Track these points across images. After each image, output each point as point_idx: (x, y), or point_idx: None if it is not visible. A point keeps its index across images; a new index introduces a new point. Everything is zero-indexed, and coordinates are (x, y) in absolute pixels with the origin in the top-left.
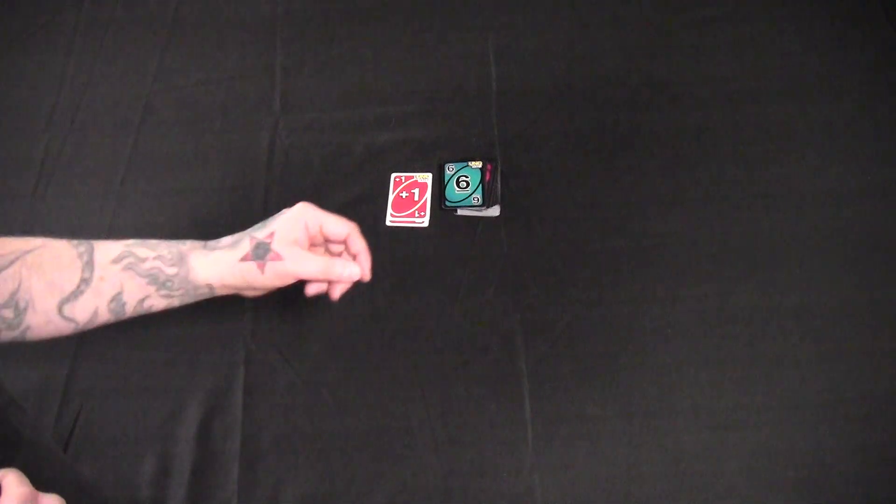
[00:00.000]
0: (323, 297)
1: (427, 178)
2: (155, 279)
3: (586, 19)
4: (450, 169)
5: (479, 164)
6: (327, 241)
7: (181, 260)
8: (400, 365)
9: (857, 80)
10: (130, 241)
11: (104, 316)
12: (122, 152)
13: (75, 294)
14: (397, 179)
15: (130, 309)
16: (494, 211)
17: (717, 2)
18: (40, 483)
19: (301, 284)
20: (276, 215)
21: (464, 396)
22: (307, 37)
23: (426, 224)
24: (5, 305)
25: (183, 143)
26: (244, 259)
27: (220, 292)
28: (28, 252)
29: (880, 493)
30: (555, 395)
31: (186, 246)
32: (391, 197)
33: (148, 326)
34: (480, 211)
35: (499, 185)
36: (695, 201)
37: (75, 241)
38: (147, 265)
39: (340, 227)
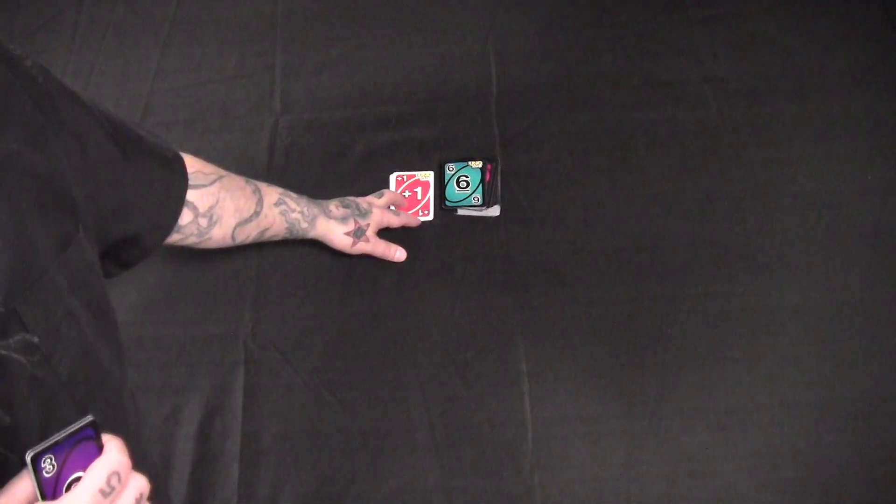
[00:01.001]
0: (323, 298)
1: (429, 175)
2: (291, 227)
3: (586, 19)
4: (450, 169)
5: (479, 164)
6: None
7: (313, 220)
8: (400, 365)
9: (857, 79)
10: (281, 190)
11: (247, 240)
12: None
13: (247, 220)
14: (399, 179)
15: (263, 238)
16: (494, 211)
17: (717, 2)
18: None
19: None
20: (372, 199)
21: (464, 396)
22: (307, 37)
23: (431, 218)
24: (204, 215)
25: (183, 143)
26: (347, 234)
27: (316, 239)
28: (223, 177)
29: (880, 493)
30: (555, 395)
31: (316, 209)
32: None
33: (148, 326)
34: (480, 211)
35: (499, 185)
36: (695, 201)
37: (246, 179)
38: (293, 215)
39: (400, 222)
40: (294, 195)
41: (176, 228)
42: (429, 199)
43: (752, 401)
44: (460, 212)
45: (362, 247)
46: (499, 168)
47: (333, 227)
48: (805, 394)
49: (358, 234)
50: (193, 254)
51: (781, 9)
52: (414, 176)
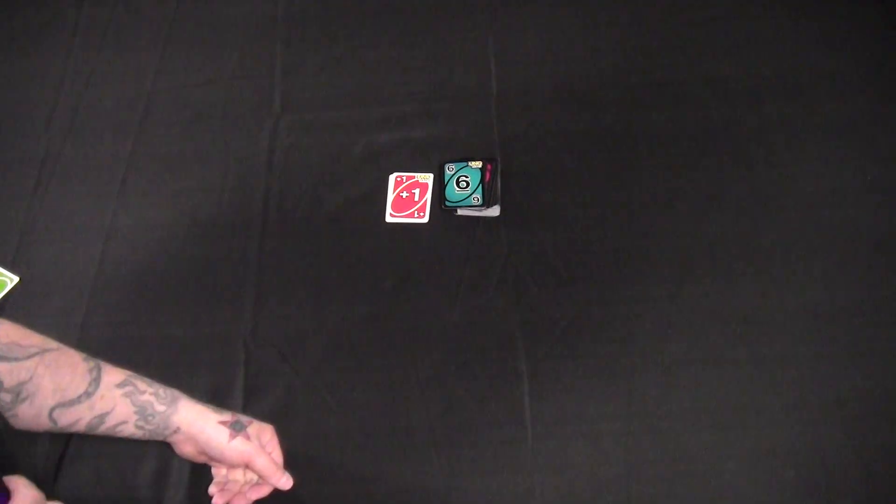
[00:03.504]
0: (323, 298)
1: (428, 178)
2: (142, 410)
3: (586, 19)
4: (450, 169)
5: (479, 164)
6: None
7: (173, 401)
8: (400, 365)
9: (857, 80)
10: (130, 373)
11: (79, 427)
12: (122, 152)
13: (73, 402)
14: (398, 179)
15: (104, 428)
16: (494, 211)
17: (717, 2)
18: None
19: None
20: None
21: (464, 396)
22: (307, 37)
23: (426, 221)
24: (8, 390)
25: (183, 143)
26: (222, 423)
27: (177, 440)
28: (48, 351)
29: (880, 493)
30: (555, 395)
31: (176, 392)
32: (391, 197)
33: (148, 326)
34: (480, 211)
35: (499, 185)
36: (695, 201)
37: (86, 356)
38: (143, 398)
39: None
40: (147, 379)
41: None
42: (426, 201)
43: (752, 401)
44: (460, 212)
45: (241, 447)
46: (499, 168)
47: (202, 412)
48: (805, 394)
49: (237, 426)
50: (193, 253)
51: (781, 9)
52: (413, 177)
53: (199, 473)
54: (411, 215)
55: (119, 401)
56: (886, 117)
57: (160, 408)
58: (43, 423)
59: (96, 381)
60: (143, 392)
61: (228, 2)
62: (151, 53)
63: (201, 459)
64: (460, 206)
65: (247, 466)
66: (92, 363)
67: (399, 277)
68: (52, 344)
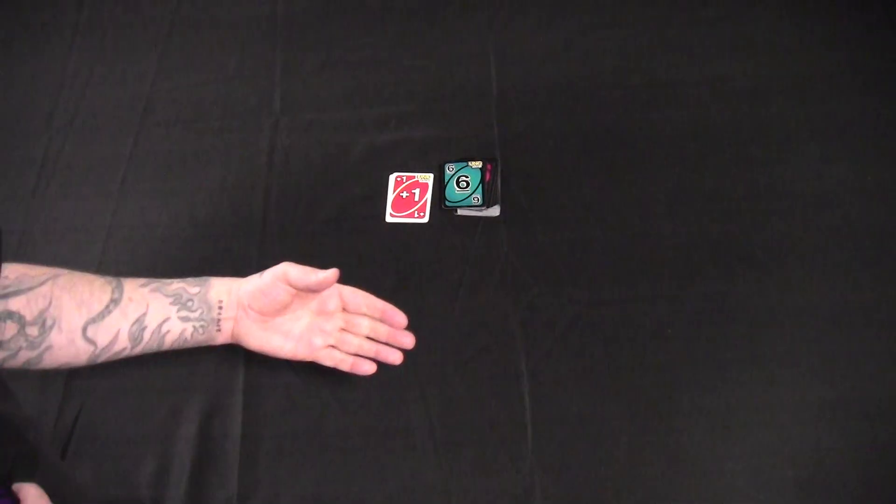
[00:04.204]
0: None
1: (428, 178)
2: (178, 298)
3: (586, 19)
4: (450, 169)
5: (479, 164)
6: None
7: (203, 281)
8: (400, 365)
9: (857, 79)
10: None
11: (123, 342)
12: (122, 152)
13: (103, 314)
14: (398, 179)
15: (148, 334)
16: (494, 211)
17: (717, 2)
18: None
19: None
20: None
21: (464, 396)
22: (307, 37)
23: (426, 221)
24: (32, 323)
25: (183, 143)
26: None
27: (231, 327)
28: (59, 275)
29: (880, 493)
30: (555, 395)
31: (203, 277)
32: (391, 197)
33: None
34: (480, 211)
35: (499, 185)
36: (695, 201)
37: (100, 275)
38: (173, 287)
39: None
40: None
41: None
42: (426, 201)
43: (752, 401)
44: (460, 212)
45: (273, 269)
46: (499, 168)
47: (235, 279)
48: (805, 394)
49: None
50: (193, 253)
51: (781, 9)
52: (413, 177)
53: (200, 473)
54: (411, 215)
55: (149, 297)
56: (886, 117)
57: (194, 290)
58: (82, 350)
59: (118, 287)
60: (170, 283)
61: (228, 2)
62: (151, 53)
63: (267, 324)
64: (460, 206)
65: (288, 284)
66: (107, 278)
67: (399, 277)
68: (62, 270)
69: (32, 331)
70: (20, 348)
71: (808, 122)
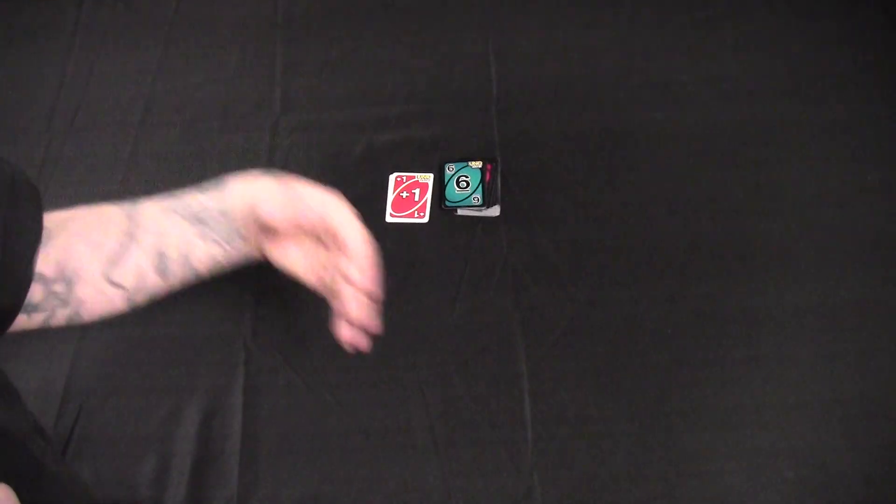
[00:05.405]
0: (324, 298)
1: (428, 178)
2: (195, 216)
3: (586, 19)
4: (450, 169)
5: (479, 164)
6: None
7: (217, 184)
8: (400, 365)
9: (857, 80)
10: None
11: (152, 278)
12: (122, 152)
13: (120, 254)
14: (398, 179)
15: (176, 266)
16: (494, 211)
17: (717, 2)
18: None
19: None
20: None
21: (464, 396)
22: (307, 37)
23: (426, 221)
24: (56, 279)
25: (183, 143)
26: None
27: (259, 238)
28: (71, 220)
29: (880, 493)
30: (555, 395)
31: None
32: (391, 197)
33: (148, 326)
34: (480, 211)
35: (499, 185)
36: (695, 201)
37: (108, 204)
38: (185, 200)
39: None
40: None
41: (27, 309)
42: (426, 201)
43: (752, 401)
44: (460, 212)
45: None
46: (499, 168)
47: (258, 180)
48: (805, 394)
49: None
50: None
51: (781, 9)
52: (413, 177)
53: (200, 473)
54: (411, 215)
55: (162, 219)
56: (886, 117)
57: (210, 204)
58: (114, 298)
59: (132, 216)
60: (182, 197)
61: (228, 2)
62: (151, 53)
63: (296, 231)
64: (460, 206)
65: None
66: (124, 203)
67: (399, 277)
68: (75, 211)
69: (58, 287)
70: (55, 307)
71: (809, 122)
